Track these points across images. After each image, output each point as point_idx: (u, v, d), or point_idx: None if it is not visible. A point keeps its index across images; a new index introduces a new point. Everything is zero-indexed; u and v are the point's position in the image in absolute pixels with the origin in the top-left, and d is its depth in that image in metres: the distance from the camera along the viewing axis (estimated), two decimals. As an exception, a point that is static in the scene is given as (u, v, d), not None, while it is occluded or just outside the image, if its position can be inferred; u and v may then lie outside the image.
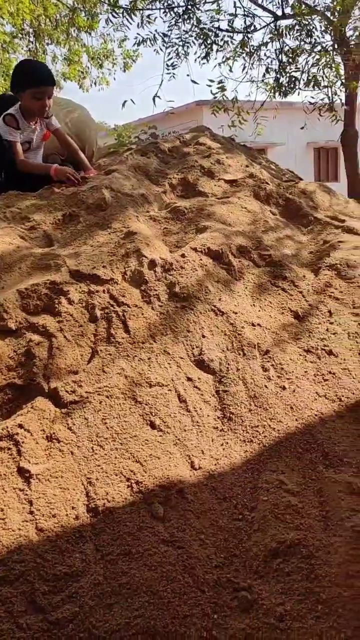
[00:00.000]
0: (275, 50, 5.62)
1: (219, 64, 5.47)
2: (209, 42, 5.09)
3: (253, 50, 5.31)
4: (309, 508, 1.66)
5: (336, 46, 5.65)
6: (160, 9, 5.01)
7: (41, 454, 1.70)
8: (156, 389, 1.95)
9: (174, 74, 5.19)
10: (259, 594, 1.43)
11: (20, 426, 1.73)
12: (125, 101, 5.24)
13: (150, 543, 1.50)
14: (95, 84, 11.34)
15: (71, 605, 1.35)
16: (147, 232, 2.66)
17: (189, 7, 4.96)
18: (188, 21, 5.03)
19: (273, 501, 1.65)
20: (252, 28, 5.30)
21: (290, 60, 5.43)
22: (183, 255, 2.48)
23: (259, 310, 2.40)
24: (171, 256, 2.50)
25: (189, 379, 2.02)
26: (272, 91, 5.73)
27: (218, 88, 5.06)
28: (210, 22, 5.13)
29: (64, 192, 3.00)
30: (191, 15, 5.01)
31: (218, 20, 5.20)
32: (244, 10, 5.10)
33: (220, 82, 5.21)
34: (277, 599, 1.42)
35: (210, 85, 5.19)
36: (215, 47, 5.16)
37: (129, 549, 1.48)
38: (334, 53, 5.67)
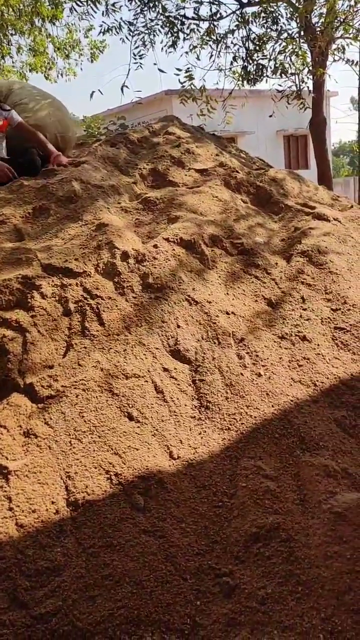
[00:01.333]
0: (242, 38, 5.61)
1: (186, 53, 5.45)
2: (175, 30, 5.06)
3: (220, 38, 5.29)
4: (287, 492, 1.69)
5: (302, 33, 5.66)
6: (123, -4, 4.95)
7: (19, 450, 1.68)
8: (133, 381, 1.94)
9: (141, 63, 5.14)
10: (240, 578, 1.45)
11: (-4, 423, 1.71)
12: (93, 92, 5.17)
13: (132, 534, 1.51)
14: (61, 75, 11.14)
15: (54, 600, 1.35)
16: (118, 223, 2.65)
17: (152, -7, 4.92)
18: (153, 9, 4.98)
19: (252, 487, 1.67)
20: (218, 16, 5.28)
21: (257, 47, 5.43)
22: (155, 246, 2.47)
23: (233, 299, 2.41)
24: (143, 247, 2.49)
25: (165, 370, 2.02)
26: (240, 79, 5.72)
27: (186, 77, 5.04)
28: (176, 10, 5.10)
29: (34, 185, 2.96)
30: (156, 3, 4.96)
31: (184, 8, 5.17)
32: (210, -2, 5.07)
33: (188, 70, 5.18)
34: (258, 582, 1.45)
35: (177, 74, 5.17)
36: (181, 35, 5.14)
37: (111, 540, 1.48)
38: (301, 40, 5.69)
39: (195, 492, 1.66)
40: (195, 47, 5.34)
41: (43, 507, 1.54)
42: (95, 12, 5.04)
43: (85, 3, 4.89)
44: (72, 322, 2.14)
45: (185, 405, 1.93)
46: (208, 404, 1.94)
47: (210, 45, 5.33)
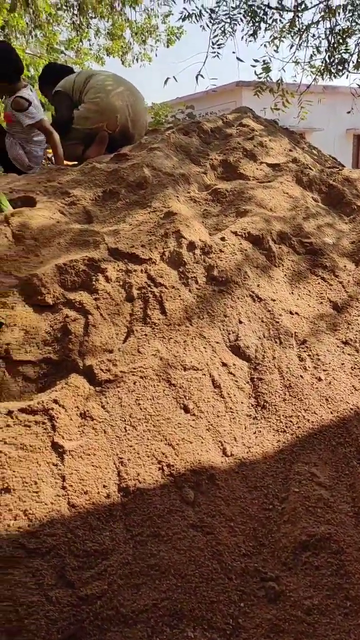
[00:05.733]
0: (325, 30, 5.45)
1: (265, 44, 5.33)
2: (257, 19, 4.96)
3: (302, 30, 5.15)
4: (341, 503, 1.64)
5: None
6: (209, -17, 4.87)
7: (75, 431, 1.70)
8: (190, 373, 1.93)
9: (218, 53, 5.07)
10: (286, 585, 1.42)
11: (55, 401, 1.74)
12: (167, 78, 5.15)
13: (180, 527, 1.50)
14: (137, 60, 11.21)
15: (100, 583, 1.36)
16: (186, 213, 2.63)
17: (239, -18, 4.83)
18: (237, -3, 4.89)
19: (304, 493, 1.63)
20: (303, 6, 5.14)
21: (341, 41, 5.26)
22: (223, 239, 2.44)
23: (297, 299, 2.35)
24: (210, 239, 2.46)
25: (224, 364, 2.00)
26: (319, 73, 5.56)
27: (263, 69, 4.94)
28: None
29: (105, 169, 2.98)
30: (240, -10, 4.88)
31: (268, -3, 5.06)
32: (296, -12, 4.94)
33: (265, 62, 5.07)
34: (305, 592, 1.41)
35: (254, 66, 5.07)
36: (263, 25, 5.03)
37: (159, 531, 1.48)
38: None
39: (246, 491, 1.63)
40: (275, 38, 5.23)
41: (95, 489, 1.55)
42: (177, -2, 5.01)
43: (168, -12, 4.88)
44: (134, 308, 2.15)
45: (242, 402, 1.90)
46: (265, 403, 1.90)
47: (291, 37, 5.21)
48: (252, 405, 1.90)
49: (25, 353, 1.97)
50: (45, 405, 1.73)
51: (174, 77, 5.21)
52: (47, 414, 1.71)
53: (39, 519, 1.44)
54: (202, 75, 5.13)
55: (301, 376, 2.01)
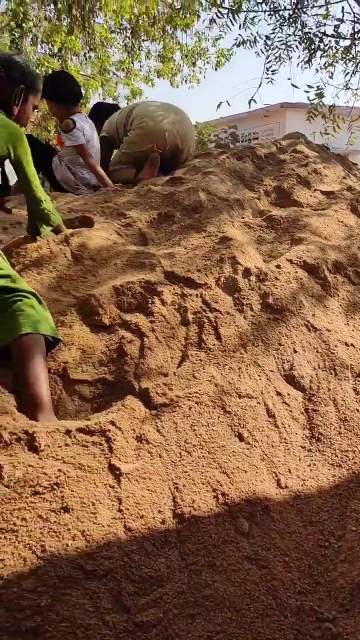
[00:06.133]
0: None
1: (319, 69, 5.36)
2: (313, 47, 5.00)
3: (357, 56, 5.16)
4: None
5: None
6: (266, 11, 4.96)
7: (131, 453, 1.72)
8: (245, 401, 1.93)
9: (272, 79, 5.13)
10: (343, 627, 1.39)
11: (112, 423, 1.76)
12: (220, 103, 5.23)
13: (234, 558, 1.49)
14: (186, 81, 11.41)
15: (156, 610, 1.36)
16: (242, 238, 2.64)
17: (296, 10, 4.88)
18: (293, 25, 4.96)
19: (361, 532, 1.60)
20: (360, 34, 5.16)
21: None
22: (278, 266, 2.44)
23: (353, 330, 2.33)
24: (266, 266, 2.47)
25: (279, 394, 1.99)
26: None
27: (316, 94, 4.97)
28: (316, 27, 5.05)
29: (161, 192, 3.03)
30: (297, 18, 4.93)
31: (324, 25, 5.10)
32: (353, 16, 4.97)
33: (319, 88, 5.10)
34: (362, 635, 1.38)
35: (308, 91, 5.10)
36: (319, 52, 5.07)
37: (213, 561, 1.48)
38: None
39: (301, 526, 1.61)
40: (330, 64, 5.26)
41: (150, 514, 1.56)
42: (233, 24, 5.10)
43: (225, 15, 4.97)
44: (189, 332, 2.16)
45: (296, 433, 1.88)
46: (320, 435, 1.88)
47: (345, 63, 5.22)
48: (307, 437, 1.88)
49: (82, 372, 2.00)
50: (102, 426, 1.75)
51: (227, 101, 5.29)
52: (104, 435, 1.73)
53: (96, 540, 1.46)
54: (254, 100, 5.19)
55: (357, 409, 1.98)
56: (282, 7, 4.98)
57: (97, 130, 4.07)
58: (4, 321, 1.81)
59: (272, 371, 2.05)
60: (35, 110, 2.54)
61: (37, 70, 9.34)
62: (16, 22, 8.67)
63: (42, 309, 1.92)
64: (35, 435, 1.59)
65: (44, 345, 1.87)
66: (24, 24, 8.76)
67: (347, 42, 4.98)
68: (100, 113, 4.51)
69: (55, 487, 1.49)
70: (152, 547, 1.49)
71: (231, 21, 4.99)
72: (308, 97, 5.10)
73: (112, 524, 1.51)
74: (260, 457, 1.77)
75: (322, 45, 5.05)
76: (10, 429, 1.58)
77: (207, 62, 11.26)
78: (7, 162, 2.33)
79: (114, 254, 2.53)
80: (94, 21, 9.28)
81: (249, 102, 5.17)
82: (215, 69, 11.28)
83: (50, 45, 9.65)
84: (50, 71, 9.59)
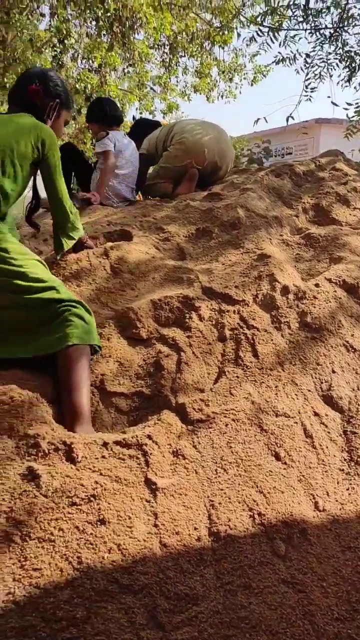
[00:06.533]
0: None
1: (358, 87, 5.36)
2: (353, 65, 5.01)
3: None
4: None
5: None
6: (306, 29, 5.00)
7: (167, 468, 1.72)
8: (282, 420, 1.91)
9: (311, 96, 5.15)
10: (382, 658, 1.35)
11: (149, 437, 1.76)
12: (258, 119, 5.27)
13: (271, 580, 1.47)
14: (222, 96, 11.51)
15: (190, 629, 1.35)
16: (280, 256, 2.64)
17: (337, 29, 4.90)
18: (333, 43, 4.97)
19: None
20: None
21: None
22: (317, 285, 2.43)
23: (392, 352, 2.29)
24: (304, 284, 2.45)
25: (316, 414, 1.96)
26: None
27: (356, 112, 4.95)
28: (358, 45, 5.05)
29: (199, 207, 3.05)
30: (338, 37, 4.95)
31: (365, 43, 5.11)
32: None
33: (358, 105, 5.08)
34: None
35: (347, 109, 5.10)
36: (359, 70, 5.06)
37: (249, 582, 1.46)
38: None
39: (339, 551, 1.58)
40: (370, 83, 5.25)
41: (186, 530, 1.55)
42: (273, 42, 5.15)
43: (266, 34, 5.02)
44: (226, 349, 2.16)
45: (334, 455, 1.86)
46: (359, 459, 1.85)
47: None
48: (345, 460, 1.85)
49: (119, 385, 2.02)
50: (139, 439, 1.76)
51: (264, 118, 5.32)
52: (141, 449, 1.74)
53: (132, 555, 1.46)
54: (292, 117, 5.21)
55: None
56: (324, 26, 5.01)
57: (138, 143, 4.15)
58: (53, 330, 1.85)
59: (309, 391, 2.03)
60: (66, 125, 2.55)
61: (77, 85, 9.56)
62: (58, 39, 8.90)
63: (90, 318, 1.95)
64: (73, 446, 1.60)
65: (90, 355, 1.89)
66: (65, 41, 8.98)
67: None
68: (140, 129, 4.59)
69: (92, 498, 1.50)
70: (187, 565, 1.48)
71: (272, 39, 5.03)
72: (347, 115, 5.09)
73: (148, 538, 1.51)
74: (297, 477, 1.75)
75: (363, 64, 5.05)
76: (48, 438, 1.60)
77: (245, 78, 11.35)
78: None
79: (152, 268, 2.55)
80: (134, 38, 9.47)
81: (287, 119, 5.19)
82: (251, 85, 11.36)
83: (90, 62, 9.87)
84: (89, 87, 9.81)
